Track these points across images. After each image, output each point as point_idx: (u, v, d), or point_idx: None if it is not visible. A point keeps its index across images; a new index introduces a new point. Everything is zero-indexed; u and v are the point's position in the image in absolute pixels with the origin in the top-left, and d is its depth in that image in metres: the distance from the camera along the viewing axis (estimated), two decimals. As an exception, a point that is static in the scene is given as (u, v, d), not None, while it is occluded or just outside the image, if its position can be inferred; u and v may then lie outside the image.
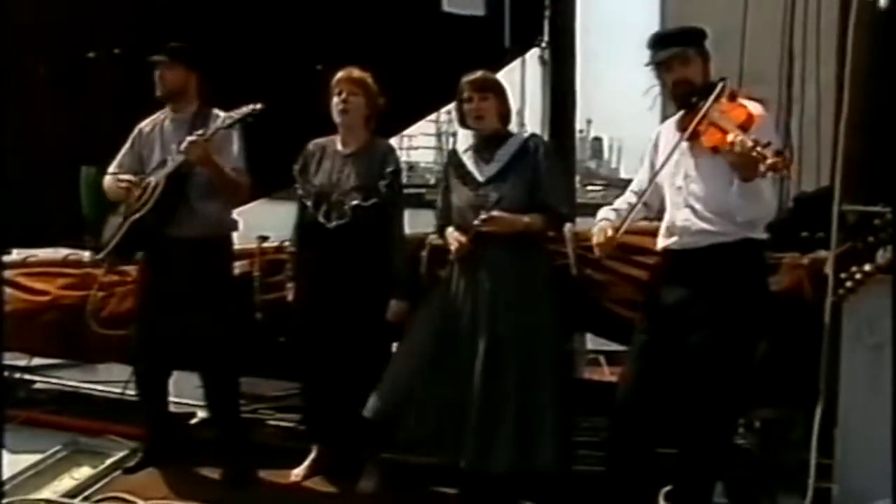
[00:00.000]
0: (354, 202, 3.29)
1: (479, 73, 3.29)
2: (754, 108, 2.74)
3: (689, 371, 2.81)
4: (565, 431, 3.23)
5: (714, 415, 2.85)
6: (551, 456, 3.13)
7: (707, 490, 2.94)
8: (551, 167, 3.27)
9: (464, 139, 3.45)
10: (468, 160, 3.30)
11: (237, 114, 3.27)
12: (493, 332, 3.15)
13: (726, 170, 2.71)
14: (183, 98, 3.48)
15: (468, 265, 3.22)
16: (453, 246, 3.22)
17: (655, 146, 3.01)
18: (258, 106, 3.24)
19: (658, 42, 2.89)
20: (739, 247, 2.78)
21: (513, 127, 3.41)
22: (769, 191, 2.73)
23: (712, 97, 2.73)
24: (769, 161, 2.44)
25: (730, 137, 2.56)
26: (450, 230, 3.29)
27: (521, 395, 3.13)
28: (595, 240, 2.95)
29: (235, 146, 3.39)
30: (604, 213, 3.05)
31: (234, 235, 3.60)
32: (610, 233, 2.88)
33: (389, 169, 3.35)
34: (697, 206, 2.80)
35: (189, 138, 3.26)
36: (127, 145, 3.57)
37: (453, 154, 3.44)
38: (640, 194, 2.96)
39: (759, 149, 2.46)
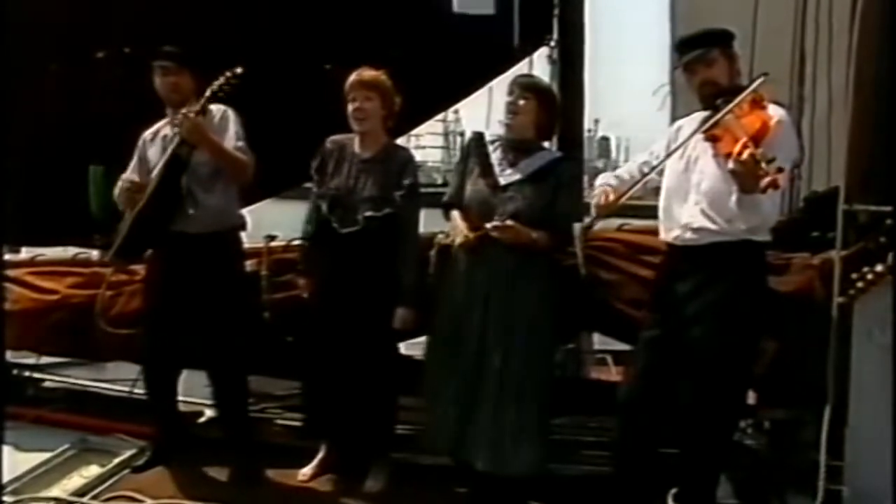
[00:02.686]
0: (368, 213, 3.26)
1: (532, 76, 3.29)
2: (774, 115, 2.72)
3: (687, 367, 2.82)
4: (545, 435, 3.22)
5: (711, 411, 2.85)
6: (532, 459, 3.13)
7: (710, 486, 2.94)
8: (570, 193, 3.26)
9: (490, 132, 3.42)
10: (493, 153, 3.28)
11: (219, 82, 3.23)
12: (487, 330, 3.16)
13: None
14: (186, 102, 3.47)
15: (469, 261, 3.21)
16: (458, 239, 3.22)
17: (677, 137, 2.99)
18: (238, 70, 3.21)
19: (683, 45, 2.89)
20: (738, 246, 2.79)
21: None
22: (769, 202, 2.72)
23: (732, 104, 2.71)
24: (768, 179, 2.45)
25: (736, 148, 2.55)
26: (456, 217, 3.27)
27: (508, 394, 3.12)
28: (595, 200, 2.93)
29: (233, 127, 3.38)
30: (605, 177, 3.06)
31: (242, 235, 3.60)
32: (611, 197, 2.88)
33: (407, 181, 3.31)
34: (704, 205, 2.81)
35: (182, 111, 3.24)
36: (135, 156, 3.56)
37: (480, 139, 3.36)
38: (649, 169, 2.94)
39: (763, 164, 2.46)
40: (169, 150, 3.33)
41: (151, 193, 3.34)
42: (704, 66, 2.84)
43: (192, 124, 3.23)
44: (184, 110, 3.24)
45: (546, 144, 3.38)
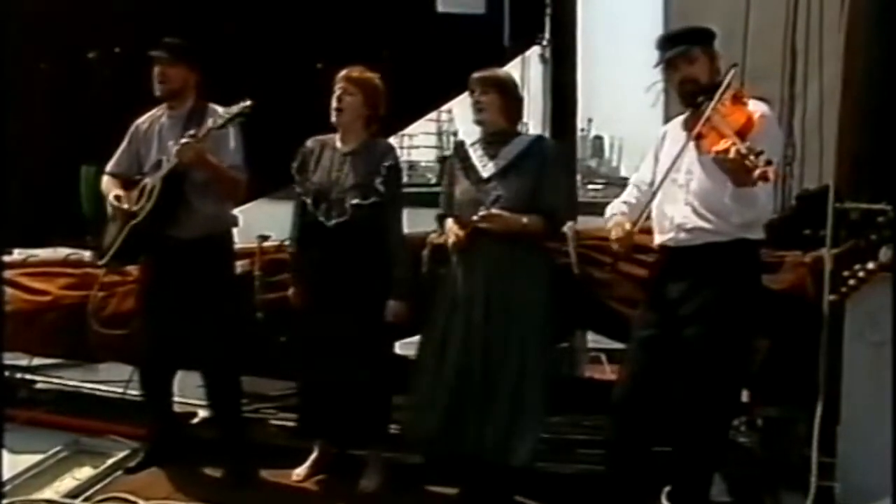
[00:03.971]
0: (354, 201, 3.28)
1: (488, 70, 3.31)
2: (757, 110, 2.73)
3: (683, 367, 2.82)
4: (538, 430, 3.22)
5: (706, 410, 2.85)
6: (523, 453, 3.12)
7: (704, 485, 2.94)
8: (555, 171, 3.28)
9: (471, 134, 3.45)
10: (473, 154, 3.31)
11: (228, 113, 3.24)
12: (486, 328, 3.15)
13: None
14: (181, 96, 3.46)
15: (465, 260, 3.22)
16: (450, 240, 3.22)
17: (662, 142, 3.00)
18: (248, 103, 3.21)
19: (664, 42, 2.90)
20: (733, 246, 2.79)
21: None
22: (764, 195, 2.73)
23: (714, 101, 2.72)
24: (758, 171, 2.45)
25: (725, 144, 2.56)
26: (449, 223, 3.29)
27: (509, 391, 3.13)
28: (613, 235, 2.93)
29: (232, 143, 3.37)
30: (615, 207, 3.05)
31: (235, 235, 3.59)
32: (628, 227, 2.88)
33: (386, 163, 3.32)
34: (696, 204, 2.82)
35: (182, 140, 3.23)
36: (124, 143, 3.55)
37: (460, 146, 3.43)
38: (651, 189, 2.94)
39: (751, 157, 2.47)
40: (166, 169, 3.30)
41: (152, 208, 3.32)
42: (686, 63, 2.85)
43: (194, 153, 3.22)
44: (184, 138, 3.23)
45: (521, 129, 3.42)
